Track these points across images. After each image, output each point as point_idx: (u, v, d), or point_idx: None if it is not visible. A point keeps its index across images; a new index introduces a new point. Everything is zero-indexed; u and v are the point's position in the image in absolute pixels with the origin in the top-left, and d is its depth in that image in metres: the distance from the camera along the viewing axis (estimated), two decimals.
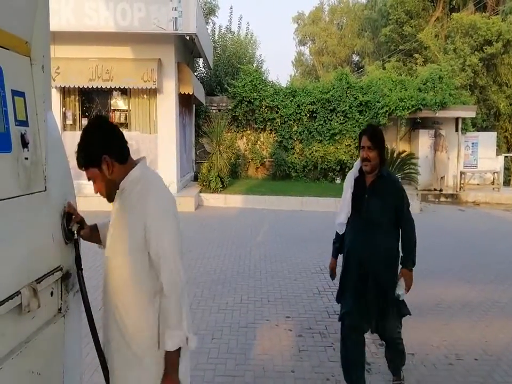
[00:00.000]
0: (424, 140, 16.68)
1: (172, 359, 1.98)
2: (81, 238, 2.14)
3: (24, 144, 1.74)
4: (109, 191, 2.08)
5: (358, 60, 39.06)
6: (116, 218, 2.08)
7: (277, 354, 4.28)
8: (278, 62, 59.55)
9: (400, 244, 3.52)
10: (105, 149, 2.00)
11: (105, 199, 2.14)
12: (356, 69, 36.09)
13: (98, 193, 2.10)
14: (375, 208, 3.44)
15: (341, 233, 3.66)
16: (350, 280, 3.54)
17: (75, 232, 1.99)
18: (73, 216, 1.98)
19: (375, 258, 3.42)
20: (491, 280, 6.71)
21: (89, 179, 2.06)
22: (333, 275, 3.82)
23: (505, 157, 18.18)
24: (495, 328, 4.99)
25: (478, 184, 17.42)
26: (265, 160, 17.13)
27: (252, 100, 16.57)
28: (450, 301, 5.81)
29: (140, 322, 2.00)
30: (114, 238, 2.07)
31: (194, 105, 16.41)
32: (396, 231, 3.49)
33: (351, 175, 3.60)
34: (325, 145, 16.74)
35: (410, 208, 3.53)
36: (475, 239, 9.69)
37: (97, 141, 2.01)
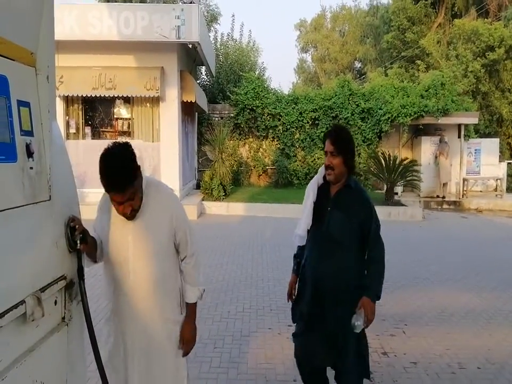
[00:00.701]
0: (427, 146, 16.67)
1: (192, 309, 2.57)
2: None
3: (29, 154, 1.76)
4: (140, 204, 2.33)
5: (360, 67, 39.17)
6: (135, 225, 2.34)
7: (279, 363, 4.27)
8: (280, 69, 59.87)
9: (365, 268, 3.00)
10: (136, 163, 2.23)
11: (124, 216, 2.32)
12: (358, 75, 36.15)
13: (129, 212, 2.27)
14: (336, 222, 2.96)
15: (301, 245, 3.20)
16: (304, 303, 3.09)
17: (78, 242, 2.00)
18: (77, 226, 2.00)
19: (330, 280, 2.93)
20: (494, 288, 6.69)
21: (128, 200, 2.22)
22: (291, 295, 3.28)
23: (508, 163, 18.14)
24: (498, 336, 4.97)
25: (480, 191, 17.39)
26: (267, 167, 17.16)
27: (254, 108, 16.62)
28: (453, 309, 5.79)
29: (173, 298, 2.50)
30: (137, 241, 2.35)
31: (196, 113, 16.46)
32: (360, 251, 2.99)
33: (314, 182, 3.16)
34: None
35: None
36: (478, 246, 9.67)
37: (130, 157, 2.21)
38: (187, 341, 2.54)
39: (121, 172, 2.15)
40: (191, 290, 2.53)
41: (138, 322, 2.40)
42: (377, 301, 2.95)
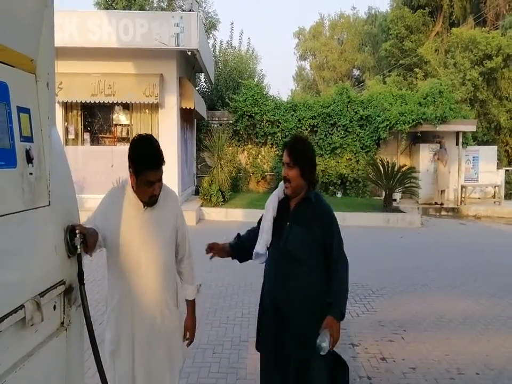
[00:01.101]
0: (425, 154, 16.72)
1: (193, 304, 2.86)
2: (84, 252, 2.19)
3: (29, 159, 1.77)
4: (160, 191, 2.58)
5: (358, 75, 39.34)
6: (147, 217, 2.54)
7: None
8: (279, 76, 60.04)
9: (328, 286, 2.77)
10: None
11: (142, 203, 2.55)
12: (357, 83, 36.28)
13: (157, 193, 2.53)
14: (295, 238, 2.77)
15: (260, 263, 3.03)
16: (265, 325, 2.94)
17: (78, 246, 2.01)
18: (77, 231, 2.01)
19: (290, 301, 2.76)
20: (493, 294, 6.70)
21: (159, 180, 2.51)
22: (211, 248, 3.05)
23: (506, 170, 18.20)
24: (497, 342, 4.98)
25: (479, 198, 17.41)
26: (266, 174, 17.17)
27: (253, 114, 16.67)
28: (451, 315, 5.80)
29: (173, 291, 2.70)
30: (149, 231, 2.54)
31: (195, 119, 16.50)
32: (322, 269, 2.78)
33: (275, 196, 2.95)
34: (325, 159, 16.79)
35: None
36: (476, 253, 9.68)
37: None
38: (192, 331, 2.85)
39: (158, 150, 2.50)
40: (190, 289, 2.82)
41: (147, 307, 2.56)
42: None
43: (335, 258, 2.77)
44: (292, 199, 2.88)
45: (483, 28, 22.89)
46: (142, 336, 2.55)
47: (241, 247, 3.08)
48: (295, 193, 2.85)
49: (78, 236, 2.00)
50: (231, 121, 16.85)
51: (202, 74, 18.61)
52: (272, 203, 2.92)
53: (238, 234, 3.20)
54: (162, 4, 24.31)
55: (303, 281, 2.75)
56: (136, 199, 2.55)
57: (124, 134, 12.75)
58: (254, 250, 2.91)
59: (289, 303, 2.77)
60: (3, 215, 1.56)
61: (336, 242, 2.81)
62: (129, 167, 2.49)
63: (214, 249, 3.05)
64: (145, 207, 2.56)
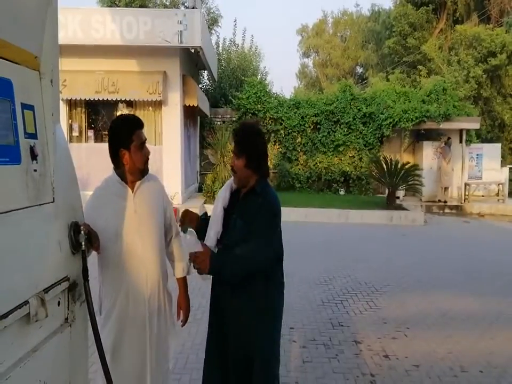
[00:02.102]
0: (428, 151, 16.66)
1: (184, 282, 2.93)
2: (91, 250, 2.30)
3: (33, 156, 1.77)
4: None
5: (361, 72, 39.28)
6: (138, 203, 2.65)
7: (281, 365, 4.23)
8: (282, 74, 59.80)
9: (269, 283, 2.69)
10: None
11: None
12: (360, 80, 36.22)
13: (148, 159, 2.72)
14: (235, 232, 2.63)
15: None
16: (210, 325, 2.83)
17: (82, 243, 2.02)
18: (81, 227, 2.02)
19: (227, 300, 2.67)
20: (496, 292, 6.69)
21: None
22: (183, 217, 2.83)
23: (510, 168, 18.10)
24: (500, 340, 4.97)
25: (482, 196, 17.36)
26: (269, 170, 17.14)
27: (256, 112, 16.67)
28: (455, 312, 5.79)
29: (166, 274, 2.80)
30: (141, 220, 2.64)
31: (199, 117, 16.51)
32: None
33: (227, 186, 2.82)
34: (328, 156, 16.79)
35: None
36: (480, 251, 9.66)
37: None
38: (186, 309, 2.94)
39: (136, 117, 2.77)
40: (179, 265, 2.90)
41: (144, 289, 2.64)
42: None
43: (253, 237, 2.55)
44: (242, 190, 2.74)
45: (487, 25, 22.81)
46: (146, 313, 2.63)
47: (205, 225, 2.81)
48: (241, 184, 2.72)
49: (82, 232, 2.01)
50: (234, 119, 16.85)
51: (206, 71, 18.61)
52: (222, 193, 2.78)
53: (205, 212, 3.07)
54: (165, 0, 24.29)
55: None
56: (123, 186, 2.65)
57: None
58: (204, 241, 2.71)
59: (227, 302, 2.68)
60: (8, 211, 1.57)
61: (260, 225, 2.58)
62: (118, 144, 2.61)
63: (187, 217, 2.83)
64: (135, 192, 2.66)
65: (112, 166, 2.71)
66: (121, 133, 2.64)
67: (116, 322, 2.61)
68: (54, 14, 1.99)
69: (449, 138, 16.28)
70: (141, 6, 21.01)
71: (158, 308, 2.70)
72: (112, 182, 2.70)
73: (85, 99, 12.09)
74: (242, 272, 2.56)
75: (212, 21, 23.46)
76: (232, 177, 2.80)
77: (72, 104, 12.48)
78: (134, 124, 2.67)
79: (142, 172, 2.68)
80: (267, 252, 2.62)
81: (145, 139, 2.70)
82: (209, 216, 2.85)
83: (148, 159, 2.70)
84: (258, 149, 2.71)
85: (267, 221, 2.62)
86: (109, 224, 2.57)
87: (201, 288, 6.11)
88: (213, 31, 23.28)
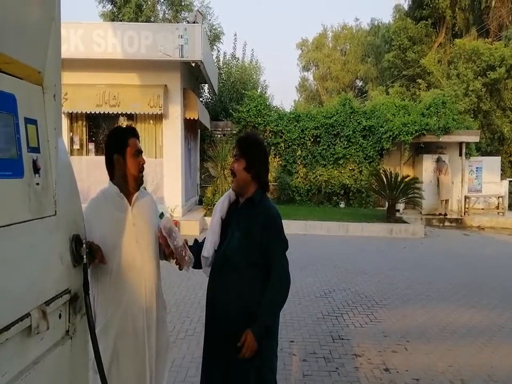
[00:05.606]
0: (428, 164, 16.67)
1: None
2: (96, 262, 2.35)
3: (36, 170, 1.79)
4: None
5: (361, 85, 39.50)
6: (136, 215, 2.68)
7: (281, 379, 4.24)
8: (282, 87, 60.23)
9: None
10: None
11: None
12: (360, 94, 36.40)
13: (143, 168, 2.75)
14: (234, 242, 2.63)
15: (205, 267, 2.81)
16: (206, 335, 2.77)
17: (84, 256, 2.03)
18: (83, 240, 2.03)
19: (227, 310, 2.62)
20: (496, 305, 6.67)
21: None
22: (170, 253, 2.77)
23: (510, 181, 18.12)
24: (501, 353, 4.96)
25: (482, 209, 17.37)
26: (269, 184, 17.15)
27: (257, 125, 16.75)
28: (455, 325, 5.78)
29: (160, 282, 2.83)
30: (138, 233, 2.67)
31: (199, 130, 16.57)
32: (257, 278, 2.62)
33: (225, 197, 2.85)
34: (328, 169, 16.83)
35: None
36: (480, 264, 9.65)
37: None
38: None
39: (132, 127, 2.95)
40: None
41: (143, 298, 2.65)
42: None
43: (273, 266, 2.62)
44: (241, 200, 2.75)
45: (486, 39, 22.95)
46: (144, 326, 2.64)
47: (196, 252, 2.78)
48: (239, 188, 2.73)
49: (84, 246, 2.03)
50: (234, 132, 16.91)
51: (206, 85, 18.71)
52: (220, 203, 2.81)
53: (196, 239, 3.03)
54: (167, 15, 24.56)
55: (238, 289, 2.61)
56: (120, 198, 2.66)
57: None
58: (201, 255, 2.73)
59: (225, 312, 2.64)
60: (10, 224, 1.58)
61: (278, 246, 2.68)
62: (113, 149, 2.69)
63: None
64: (133, 205, 2.69)
65: (108, 178, 2.73)
66: (117, 138, 2.74)
67: (114, 336, 2.58)
68: (57, 29, 2.02)
69: (438, 156, 16.36)
70: (145, 21, 21.25)
71: (156, 320, 2.70)
72: (109, 193, 2.68)
73: (86, 112, 12.16)
74: (282, 304, 2.67)
75: (214, 37, 23.67)
76: (231, 188, 2.84)
77: (73, 117, 12.55)
78: (130, 132, 2.79)
79: (137, 180, 2.69)
80: (286, 270, 2.69)
81: (141, 149, 2.77)
82: (201, 242, 2.88)
83: (143, 168, 2.73)
84: (259, 155, 2.75)
85: (282, 238, 2.72)
86: (106, 236, 2.55)
87: (200, 302, 6.10)
88: (215, 47, 23.47)
